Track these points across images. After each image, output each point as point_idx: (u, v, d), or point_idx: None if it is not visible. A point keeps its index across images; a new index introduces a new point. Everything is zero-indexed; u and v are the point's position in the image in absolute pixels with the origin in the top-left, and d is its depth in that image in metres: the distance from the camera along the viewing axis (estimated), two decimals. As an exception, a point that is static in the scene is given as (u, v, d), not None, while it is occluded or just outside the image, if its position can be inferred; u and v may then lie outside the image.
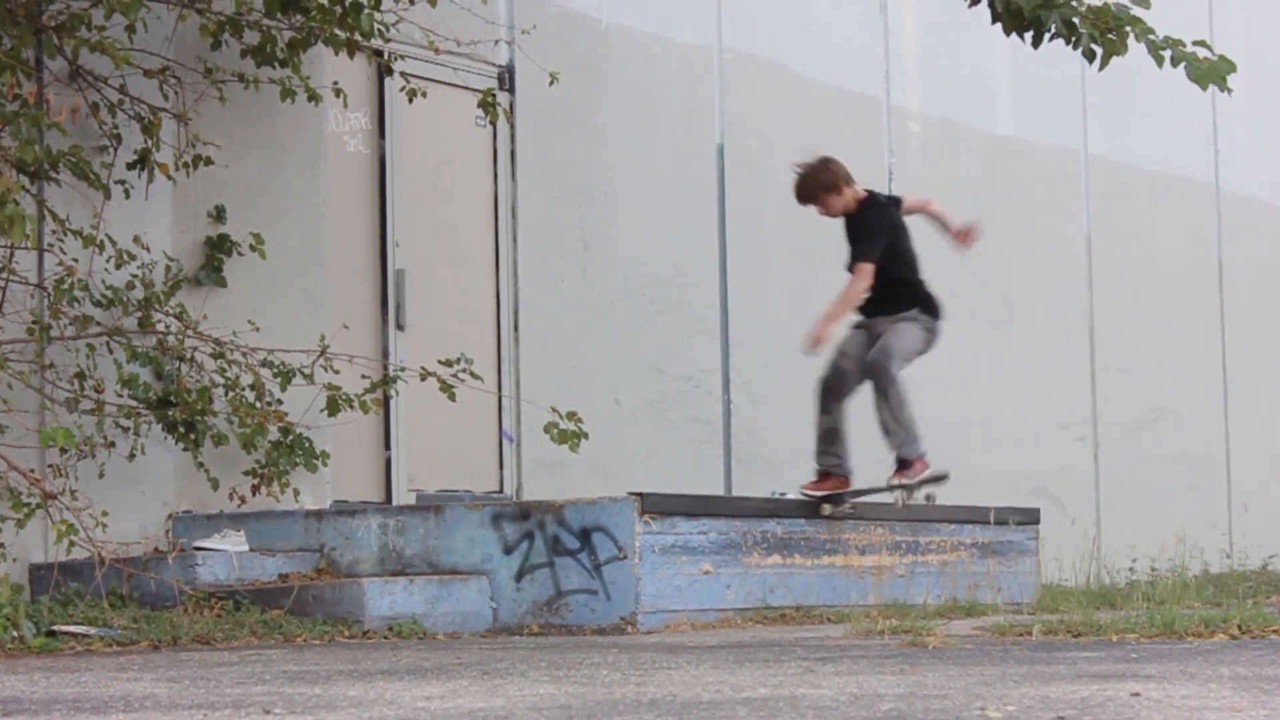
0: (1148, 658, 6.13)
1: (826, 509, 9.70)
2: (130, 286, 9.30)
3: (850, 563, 9.95)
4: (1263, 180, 17.25)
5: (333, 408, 9.60)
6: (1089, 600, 9.74)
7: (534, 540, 8.88)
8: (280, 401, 9.53)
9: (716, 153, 12.60)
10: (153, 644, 7.64)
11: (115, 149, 9.22)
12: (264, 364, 9.52)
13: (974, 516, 10.75)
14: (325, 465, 9.80)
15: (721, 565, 9.20)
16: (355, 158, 10.56)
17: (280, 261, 9.98)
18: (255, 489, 9.50)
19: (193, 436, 9.22)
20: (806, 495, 9.70)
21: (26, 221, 7.86)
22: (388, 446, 10.53)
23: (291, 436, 9.53)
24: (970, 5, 9.51)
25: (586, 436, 9.67)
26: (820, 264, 11.54)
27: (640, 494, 8.86)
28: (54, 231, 8.93)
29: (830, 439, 9.64)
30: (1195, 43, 9.10)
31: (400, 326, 10.59)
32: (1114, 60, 9.31)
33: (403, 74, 10.22)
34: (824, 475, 9.70)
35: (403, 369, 10.12)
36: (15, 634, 7.43)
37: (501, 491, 11.07)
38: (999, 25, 9.47)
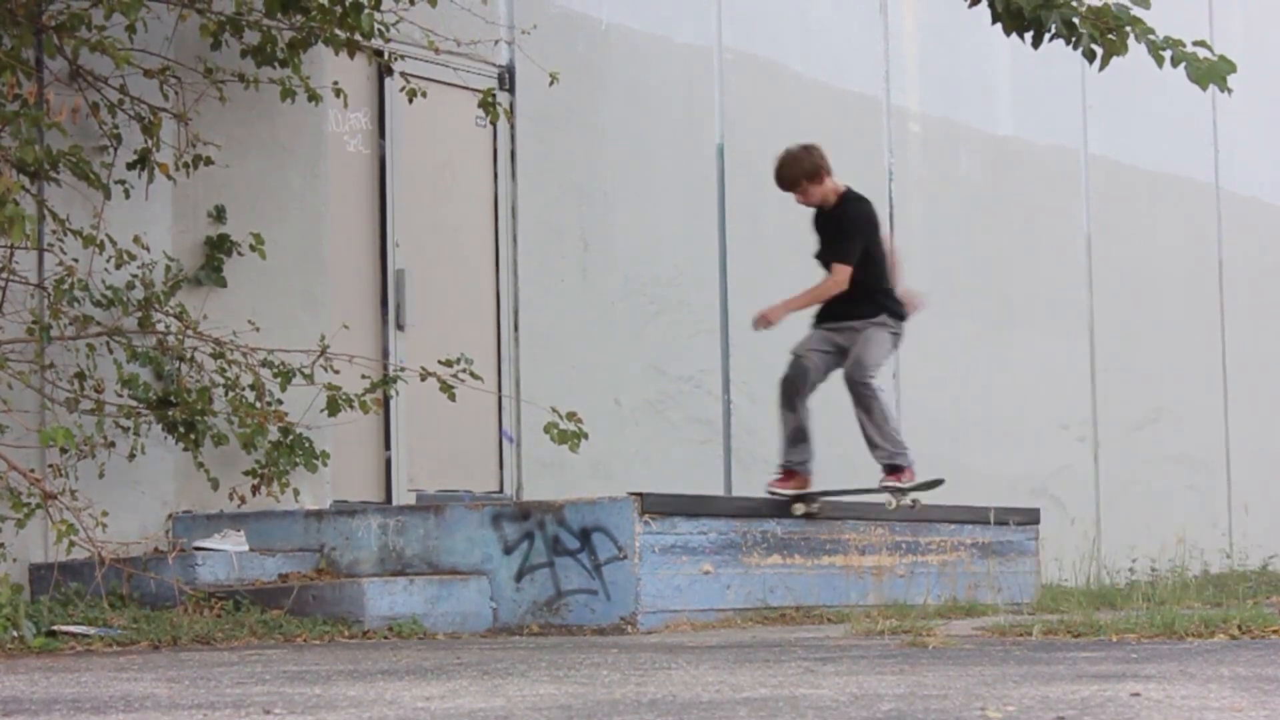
0: (1148, 658, 6.13)
1: (799, 508, 9.65)
2: (130, 286, 9.30)
3: (850, 563, 9.95)
4: (1263, 180, 17.24)
5: (333, 408, 9.60)
6: (1089, 600, 9.73)
7: (534, 540, 8.88)
8: (280, 401, 9.53)
9: (716, 153, 12.60)
10: (153, 644, 7.64)
11: (115, 149, 9.22)
12: (264, 364, 9.52)
13: (974, 517, 10.74)
14: (325, 465, 9.80)
15: (721, 565, 9.20)
16: (355, 158, 10.55)
17: (280, 261, 9.98)
18: (255, 489, 9.50)
19: (193, 436, 9.22)
20: (775, 494, 9.63)
21: (26, 221, 7.87)
22: (388, 446, 10.53)
23: (291, 436, 9.53)
24: (970, 5, 9.50)
25: (586, 436, 9.66)
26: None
27: (640, 494, 8.86)
28: (54, 231, 8.93)
29: (799, 437, 9.60)
30: (1195, 43, 9.10)
31: (400, 326, 10.58)
32: (1114, 60, 9.31)
33: (403, 74, 10.22)
34: (789, 473, 9.65)
35: (403, 369, 10.12)
36: (15, 634, 7.43)
37: (501, 492, 11.06)
38: (999, 25, 9.47)
